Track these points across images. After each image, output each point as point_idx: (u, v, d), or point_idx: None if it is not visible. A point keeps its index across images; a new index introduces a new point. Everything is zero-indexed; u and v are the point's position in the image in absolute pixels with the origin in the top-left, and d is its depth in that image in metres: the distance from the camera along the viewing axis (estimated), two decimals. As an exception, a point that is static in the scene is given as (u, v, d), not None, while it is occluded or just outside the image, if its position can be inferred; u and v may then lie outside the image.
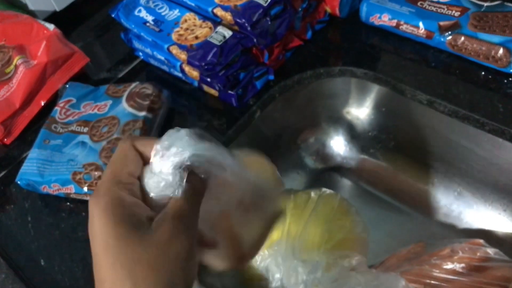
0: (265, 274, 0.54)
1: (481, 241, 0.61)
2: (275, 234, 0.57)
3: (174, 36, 0.64)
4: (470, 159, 0.66)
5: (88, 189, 0.57)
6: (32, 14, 0.78)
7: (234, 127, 0.64)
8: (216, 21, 0.65)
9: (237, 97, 0.65)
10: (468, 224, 0.69)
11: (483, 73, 0.62)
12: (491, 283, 0.55)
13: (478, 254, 0.59)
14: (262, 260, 0.55)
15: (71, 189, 0.58)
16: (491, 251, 0.59)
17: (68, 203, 0.60)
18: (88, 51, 0.74)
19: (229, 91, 0.64)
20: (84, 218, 0.58)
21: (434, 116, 0.64)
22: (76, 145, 0.60)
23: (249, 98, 0.66)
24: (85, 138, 0.60)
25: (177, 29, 0.65)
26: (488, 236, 0.67)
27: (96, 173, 0.57)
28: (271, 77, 0.68)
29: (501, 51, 0.60)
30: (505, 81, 0.61)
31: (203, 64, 0.61)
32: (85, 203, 0.59)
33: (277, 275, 0.51)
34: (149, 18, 0.68)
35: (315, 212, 0.60)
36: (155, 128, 0.63)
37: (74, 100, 0.66)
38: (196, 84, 0.69)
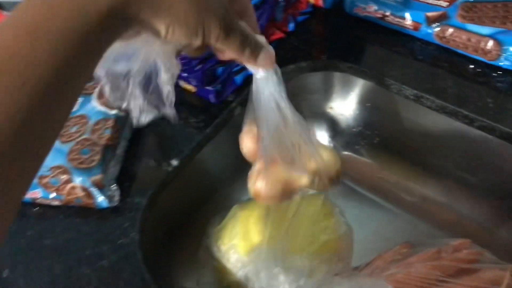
0: (244, 282, 0.51)
1: (469, 241, 0.59)
2: (255, 238, 0.54)
3: (147, 29, 0.60)
4: (458, 156, 0.63)
5: (56, 194, 0.54)
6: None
7: (213, 125, 0.61)
8: (192, 13, 0.61)
9: (215, 93, 0.61)
10: (456, 223, 0.67)
11: (472, 66, 0.60)
12: (480, 286, 0.53)
13: (466, 255, 0.57)
14: (241, 267, 0.52)
15: (37, 193, 0.55)
16: (479, 252, 0.57)
17: (35, 209, 0.56)
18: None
19: (207, 87, 0.61)
20: (52, 224, 0.55)
21: (421, 111, 0.61)
22: (43, 146, 0.56)
23: (228, 94, 0.63)
24: (52, 139, 0.56)
25: (150, 21, 0.61)
26: (476, 236, 0.65)
27: (63, 177, 0.53)
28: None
29: (490, 43, 0.57)
30: (495, 74, 0.58)
31: (179, 58, 0.57)
32: (53, 208, 0.56)
33: (257, 285, 0.49)
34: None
35: (298, 214, 0.57)
36: (127, 127, 0.59)
37: (41, 98, 0.62)
38: (172, 79, 0.65)
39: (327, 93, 0.70)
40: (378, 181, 0.73)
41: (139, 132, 0.61)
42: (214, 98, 0.61)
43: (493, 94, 0.57)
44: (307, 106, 0.71)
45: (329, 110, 0.72)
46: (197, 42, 0.33)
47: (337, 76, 0.66)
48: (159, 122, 0.62)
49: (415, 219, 0.69)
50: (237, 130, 0.66)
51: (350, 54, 0.65)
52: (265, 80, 0.40)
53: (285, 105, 0.41)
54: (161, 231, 0.59)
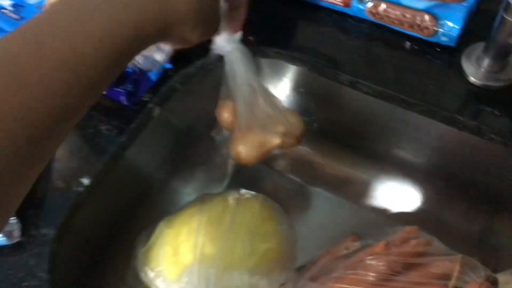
0: (177, 312, 0.45)
1: (416, 228, 0.56)
2: (186, 258, 0.48)
3: (36, 25, 0.51)
4: (400, 141, 0.59)
5: None
6: None
7: (128, 132, 0.53)
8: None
9: (127, 94, 0.53)
10: (401, 208, 0.64)
11: (408, 43, 0.55)
12: (431, 282, 0.50)
13: (414, 248, 0.54)
14: (172, 296, 0.46)
15: None
16: (427, 241, 0.54)
17: None
18: None
19: (116, 88, 0.52)
20: None
21: (358, 96, 0.56)
22: None
23: (142, 94, 0.55)
24: None
25: (40, 15, 0.51)
26: (423, 220, 0.62)
27: None
28: (169, 65, 0.56)
29: (426, 18, 0.52)
30: (432, 52, 0.54)
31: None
32: None
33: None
34: (6, 2, 0.54)
35: (234, 223, 0.51)
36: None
37: None
38: (76, 81, 0.56)
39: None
40: (319, 171, 0.68)
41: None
42: (126, 100, 0.53)
43: (432, 74, 0.52)
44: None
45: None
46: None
47: (265, 62, 0.60)
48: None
49: (360, 208, 0.66)
50: (159, 133, 0.59)
51: (277, 37, 0.58)
52: (233, 56, 0.47)
53: (255, 79, 0.48)
54: (78, 262, 0.51)
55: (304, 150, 0.69)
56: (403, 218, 0.63)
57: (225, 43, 0.46)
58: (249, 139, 0.53)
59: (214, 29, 0.41)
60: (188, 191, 0.67)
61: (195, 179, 0.68)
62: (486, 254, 0.58)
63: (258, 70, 0.50)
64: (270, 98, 0.51)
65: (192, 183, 0.66)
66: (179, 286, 0.46)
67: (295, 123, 0.54)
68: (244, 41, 0.59)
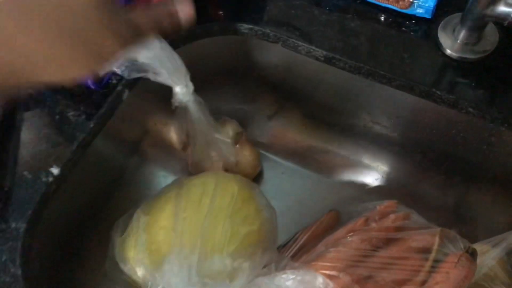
0: (160, 302, 0.45)
1: (395, 202, 0.56)
2: (164, 246, 0.47)
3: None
4: (375, 115, 0.59)
5: None
6: None
7: (96, 117, 0.51)
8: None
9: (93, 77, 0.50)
10: (379, 182, 0.64)
11: (383, 16, 0.54)
12: (411, 256, 0.51)
13: (393, 222, 0.54)
14: (152, 285, 0.45)
15: None
16: (406, 214, 0.55)
17: None
18: None
19: (82, 72, 0.50)
20: None
21: (334, 72, 0.55)
22: None
23: (110, 76, 0.52)
24: None
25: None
26: (400, 194, 0.63)
27: None
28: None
29: (401, -11, 0.51)
30: (408, 23, 0.53)
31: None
32: None
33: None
34: None
35: (213, 208, 0.50)
36: (-12, 133, 0.48)
37: None
38: (38, 64, 0.53)
39: (228, 58, 0.61)
40: (296, 147, 0.67)
41: (3, 138, 0.49)
42: (93, 83, 0.51)
43: (409, 47, 0.51)
44: (207, 71, 0.63)
45: (234, 76, 0.64)
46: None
47: (237, 39, 0.57)
48: (29, 120, 0.51)
49: (338, 184, 0.66)
50: (129, 117, 0.57)
51: (248, 11, 0.56)
52: (190, 107, 0.53)
53: (209, 127, 0.56)
54: (52, 255, 0.50)
55: (279, 127, 0.68)
56: (380, 192, 0.64)
57: (182, 96, 0.52)
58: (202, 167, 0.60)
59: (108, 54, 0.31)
60: (163, 174, 0.65)
61: (170, 161, 0.66)
62: (463, 225, 0.59)
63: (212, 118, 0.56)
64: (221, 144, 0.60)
65: (168, 166, 0.65)
66: (159, 274, 0.45)
67: (249, 162, 0.63)
68: (214, 16, 0.57)
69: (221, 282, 0.43)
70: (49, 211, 0.48)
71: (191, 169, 0.62)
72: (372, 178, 0.64)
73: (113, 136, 0.53)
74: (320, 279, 0.47)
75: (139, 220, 0.49)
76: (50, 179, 0.47)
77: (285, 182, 0.67)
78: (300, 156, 0.67)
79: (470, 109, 0.48)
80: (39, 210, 0.47)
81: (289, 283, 0.46)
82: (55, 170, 0.48)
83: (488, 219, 0.59)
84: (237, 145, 0.62)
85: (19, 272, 0.43)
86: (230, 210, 0.51)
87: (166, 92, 0.56)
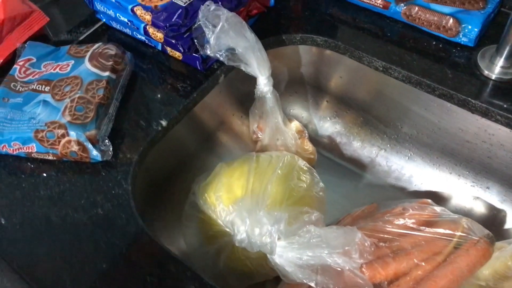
0: (230, 227, 0.56)
1: (429, 200, 0.66)
2: (238, 191, 0.59)
3: (138, -3, 0.64)
4: (420, 125, 0.70)
5: (51, 148, 0.57)
6: (-15, -28, 0.75)
7: (199, 90, 0.65)
8: (181, -17, 0.65)
9: (201, 60, 0.65)
10: (418, 186, 0.74)
11: (434, 42, 0.66)
12: (439, 236, 0.60)
13: (427, 211, 0.64)
14: (227, 214, 0.57)
15: (32, 148, 0.58)
16: (438, 208, 0.64)
17: (29, 163, 0.59)
18: (48, 11, 0.72)
19: (194, 54, 0.65)
20: (46, 177, 0.58)
21: (388, 82, 0.67)
22: (37, 104, 0.59)
23: (213, 62, 0.67)
24: (47, 97, 0.59)
25: (141, -10, 0.65)
26: (436, 197, 0.72)
27: (59, 131, 0.56)
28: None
29: (451, 21, 0.64)
30: (454, 50, 0.65)
31: (168, 25, 0.61)
32: (47, 163, 0.59)
33: (242, 227, 0.53)
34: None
35: (277, 172, 0.62)
36: (119, 89, 0.63)
37: (34, 59, 0.64)
38: (159, 47, 0.69)
39: (304, 65, 0.75)
40: (348, 149, 0.79)
41: (129, 95, 0.65)
42: (200, 65, 0.66)
43: (452, 67, 0.64)
44: (285, 77, 0.77)
45: (304, 81, 0.78)
46: None
47: (313, 49, 0.72)
48: (148, 86, 0.66)
49: (382, 184, 0.76)
50: (220, 99, 0.71)
51: (325, 29, 0.71)
52: (268, 98, 0.66)
53: (279, 115, 0.68)
54: (150, 186, 0.63)
55: (336, 130, 0.80)
56: (419, 194, 0.74)
57: (264, 86, 0.64)
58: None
59: None
60: (233, 156, 0.78)
61: (240, 147, 0.79)
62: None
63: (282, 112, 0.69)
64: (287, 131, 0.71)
65: (237, 151, 0.78)
66: (234, 207, 0.56)
67: (306, 155, 0.74)
68: (295, 31, 0.72)
69: (282, 213, 0.53)
70: (153, 152, 0.62)
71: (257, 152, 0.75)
72: (411, 182, 0.75)
73: (199, 116, 0.67)
74: (359, 235, 0.56)
75: (220, 170, 0.62)
76: (159, 128, 0.62)
77: (334, 178, 0.78)
78: (350, 157, 0.79)
79: (499, 117, 0.59)
80: (147, 148, 0.61)
81: (333, 234, 0.56)
82: (163, 122, 0.62)
83: None
84: (299, 139, 0.75)
85: (129, 188, 0.56)
86: (290, 177, 0.63)
87: (247, 90, 0.71)
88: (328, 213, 0.66)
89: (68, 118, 0.57)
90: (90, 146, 0.57)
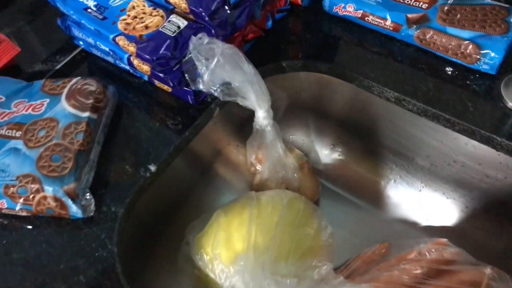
0: (231, 292, 0.50)
1: (446, 240, 0.60)
2: (239, 245, 0.53)
3: (120, 25, 0.57)
4: (434, 156, 0.64)
5: (24, 204, 0.50)
6: None
7: (192, 127, 0.58)
8: (169, 9, 0.58)
9: (194, 94, 0.58)
10: (431, 222, 0.68)
11: (451, 69, 0.60)
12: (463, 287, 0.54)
13: (445, 256, 0.58)
14: (227, 277, 0.50)
15: (2, 204, 0.50)
16: (456, 251, 0.58)
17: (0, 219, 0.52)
18: (19, 38, 0.65)
19: (185, 88, 0.58)
20: (20, 236, 0.51)
21: (400, 113, 0.61)
22: (8, 152, 0.52)
23: (206, 95, 0.60)
24: (18, 144, 0.52)
25: (124, 16, 0.57)
26: (451, 233, 0.66)
27: (33, 186, 0.49)
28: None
29: (470, 47, 0.57)
30: (473, 78, 0.59)
31: (155, 58, 0.54)
32: (20, 219, 0.52)
33: (246, 297, 0.47)
34: (91, 3, 0.60)
35: (282, 219, 0.56)
36: (101, 129, 0.56)
37: (3, 98, 0.57)
38: (146, 78, 0.62)
39: (307, 92, 0.69)
40: (355, 181, 0.73)
41: (113, 135, 0.58)
42: (193, 99, 0.59)
43: (472, 98, 0.57)
44: (286, 106, 0.70)
45: (307, 110, 0.71)
46: None
47: (316, 76, 0.65)
48: (134, 124, 0.59)
49: (392, 218, 0.70)
50: (215, 131, 0.64)
51: (329, 54, 0.64)
52: (267, 131, 0.60)
53: (281, 149, 0.62)
54: (138, 241, 0.56)
55: (340, 159, 0.74)
56: (431, 231, 0.68)
57: (263, 120, 0.58)
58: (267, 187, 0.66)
59: None
60: (230, 191, 0.72)
61: (236, 180, 0.73)
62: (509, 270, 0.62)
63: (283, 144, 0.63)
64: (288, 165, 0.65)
65: (234, 185, 0.71)
66: (234, 268, 0.50)
67: (309, 189, 0.68)
68: (295, 56, 0.65)
69: (291, 280, 0.47)
70: (141, 202, 0.55)
71: (256, 188, 0.68)
72: (424, 217, 0.69)
73: (193, 151, 0.60)
74: (375, 295, 0.51)
75: (218, 220, 0.55)
76: (147, 174, 0.55)
77: (340, 212, 0.72)
78: (357, 189, 0.72)
79: (527, 157, 0.53)
80: (135, 199, 0.54)
81: (349, 293, 0.50)
82: (152, 167, 0.55)
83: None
84: (301, 172, 0.68)
85: (115, 250, 0.50)
86: (296, 224, 0.57)
87: (243, 118, 0.64)
88: (335, 252, 0.60)
89: (43, 171, 0.50)
90: (69, 202, 0.50)
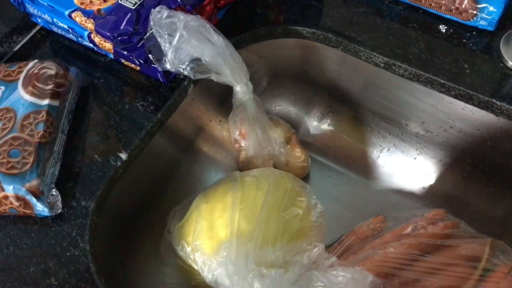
0: (214, 286, 0.47)
1: (443, 211, 0.57)
2: (222, 232, 0.49)
3: (76, -1, 0.51)
4: (429, 122, 0.60)
5: (-17, 204, 0.46)
6: None
7: (164, 108, 0.54)
8: (128, -22, 0.52)
9: (163, 72, 0.53)
10: (427, 190, 0.65)
11: (445, 27, 0.55)
12: (460, 263, 0.51)
13: (442, 229, 0.55)
14: (209, 270, 0.47)
15: (-38, 205, 0.47)
16: (454, 223, 0.55)
17: (-38, 222, 0.48)
18: (-32, 19, 0.59)
19: (153, 65, 0.53)
20: (-16, 239, 0.47)
21: (391, 79, 0.56)
22: (-38, 149, 0.47)
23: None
24: (-27, 139, 0.48)
25: (79, -11, 0.52)
26: (449, 202, 0.63)
27: (-9, 186, 0.45)
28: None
29: (465, 1, 0.52)
30: (470, 36, 0.54)
31: (116, 34, 0.49)
32: (-17, 220, 0.48)
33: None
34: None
35: (267, 201, 0.52)
36: (64, 117, 0.51)
37: (-46, 89, 0.52)
38: (112, 56, 0.56)
39: (288, 60, 0.63)
40: (345, 152, 0.69)
41: (79, 122, 0.53)
42: (163, 77, 0.54)
43: (469, 58, 0.52)
44: (267, 75, 0.65)
45: (290, 78, 0.66)
46: None
47: (298, 42, 0.60)
48: (102, 108, 0.54)
49: (385, 190, 0.66)
50: (193, 108, 0.59)
51: (311, 17, 0.58)
52: (248, 105, 0.56)
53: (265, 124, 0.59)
54: (114, 235, 0.52)
55: (330, 130, 0.69)
56: (428, 200, 0.64)
57: (242, 95, 0.54)
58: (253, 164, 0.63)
59: None
60: (214, 169, 0.68)
61: (221, 158, 0.68)
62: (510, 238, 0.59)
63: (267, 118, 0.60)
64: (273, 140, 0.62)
65: (218, 163, 0.67)
66: (217, 260, 0.47)
67: (298, 163, 0.65)
68: (275, 21, 0.60)
69: (276, 271, 0.44)
70: (114, 193, 0.51)
71: (241, 166, 0.65)
72: (419, 186, 0.65)
73: (172, 130, 0.56)
74: (370, 278, 0.47)
75: (199, 207, 0.52)
76: (118, 163, 0.50)
77: (332, 185, 0.68)
78: (348, 160, 0.68)
79: (530, 122, 0.49)
80: (106, 191, 0.50)
81: (339, 279, 0.47)
82: (123, 155, 0.51)
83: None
84: (288, 146, 0.64)
85: (87, 247, 0.46)
86: (283, 205, 0.53)
87: (223, 91, 0.59)
88: (328, 228, 0.57)
89: (1, 168, 0.46)
90: (33, 200, 0.46)
